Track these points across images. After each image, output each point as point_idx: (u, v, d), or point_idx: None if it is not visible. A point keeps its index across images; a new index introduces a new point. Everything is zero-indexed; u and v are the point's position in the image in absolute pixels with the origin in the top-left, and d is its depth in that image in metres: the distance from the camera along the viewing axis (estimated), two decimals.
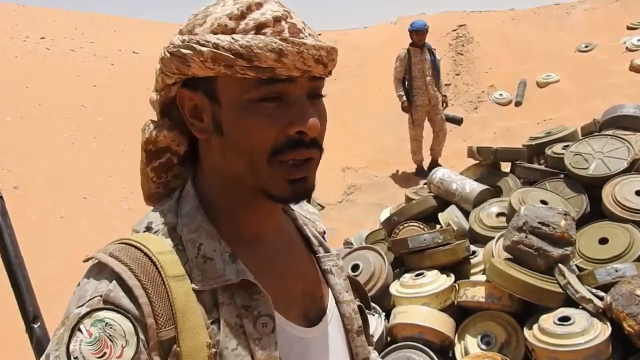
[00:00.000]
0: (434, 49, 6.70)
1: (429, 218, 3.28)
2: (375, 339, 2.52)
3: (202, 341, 0.66)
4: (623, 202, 2.71)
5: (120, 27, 13.09)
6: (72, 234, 4.90)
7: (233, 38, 0.67)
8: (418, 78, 6.41)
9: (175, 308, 0.66)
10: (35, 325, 0.94)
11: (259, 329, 0.70)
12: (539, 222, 2.45)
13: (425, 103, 6.47)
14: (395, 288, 2.72)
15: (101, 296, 0.65)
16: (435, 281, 2.64)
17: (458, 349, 2.47)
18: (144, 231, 0.74)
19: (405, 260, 2.88)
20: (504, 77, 9.47)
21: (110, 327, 0.63)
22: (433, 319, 2.48)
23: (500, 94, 9.02)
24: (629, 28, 9.71)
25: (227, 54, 0.66)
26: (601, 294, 2.31)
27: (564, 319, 2.20)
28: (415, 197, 3.55)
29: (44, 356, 0.65)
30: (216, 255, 0.71)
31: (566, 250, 2.42)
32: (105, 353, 0.62)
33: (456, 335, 2.51)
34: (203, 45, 0.67)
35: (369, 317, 2.64)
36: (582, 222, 2.77)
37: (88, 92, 8.19)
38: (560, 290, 2.31)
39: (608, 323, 2.17)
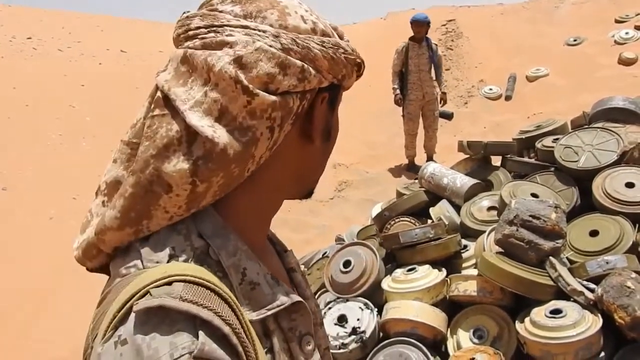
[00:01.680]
0: (435, 45, 6.63)
1: (420, 213, 3.28)
2: (367, 335, 2.52)
3: None
4: (613, 195, 2.72)
5: (108, 26, 13.00)
6: (62, 234, 4.86)
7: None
8: (413, 72, 6.39)
9: (257, 348, 0.59)
10: None
11: (305, 350, 0.66)
12: (530, 215, 2.45)
13: (418, 98, 6.45)
14: (387, 283, 2.71)
15: (191, 353, 0.52)
16: (427, 276, 2.64)
17: (450, 344, 2.47)
18: (168, 260, 0.61)
19: (397, 256, 2.88)
20: (493, 71, 9.49)
21: None
22: (425, 314, 2.48)
23: (490, 89, 9.05)
24: (617, 21, 9.76)
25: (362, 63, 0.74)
26: (592, 286, 2.31)
27: (556, 312, 2.21)
28: (406, 192, 3.54)
29: None
30: (261, 279, 0.64)
31: (557, 243, 2.43)
32: None
33: (448, 329, 2.51)
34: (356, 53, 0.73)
35: (360, 311, 2.63)
36: (572, 214, 2.78)
37: (76, 92, 8.12)
38: (551, 283, 2.32)
39: (599, 315, 2.18)
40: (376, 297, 2.73)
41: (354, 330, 2.53)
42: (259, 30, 0.64)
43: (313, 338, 0.68)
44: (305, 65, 0.64)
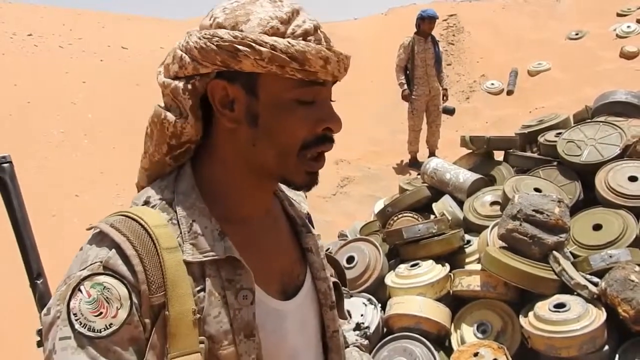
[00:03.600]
0: (438, 41, 6.66)
1: (423, 208, 3.28)
2: (371, 330, 2.52)
3: (188, 307, 0.74)
4: (616, 188, 2.72)
5: (108, 22, 12.98)
6: (65, 232, 4.87)
7: (289, 42, 0.74)
8: (420, 67, 6.37)
9: (167, 277, 0.73)
10: (39, 282, 1.02)
11: (240, 301, 0.77)
12: (533, 210, 2.45)
13: (425, 93, 6.44)
14: (390, 279, 2.71)
15: (101, 262, 0.72)
16: (431, 271, 2.64)
17: (454, 338, 2.47)
18: (143, 204, 0.81)
19: (400, 251, 2.88)
20: (495, 66, 9.46)
21: (108, 291, 0.71)
22: (429, 309, 2.48)
23: (492, 83, 9.02)
24: (619, 15, 9.71)
25: (283, 56, 0.74)
26: (596, 280, 2.32)
27: (560, 306, 2.21)
28: (409, 188, 3.54)
29: (45, 309, 0.73)
30: (206, 232, 0.78)
31: (560, 237, 2.43)
32: (101, 313, 0.70)
33: (452, 324, 2.52)
34: (261, 45, 0.74)
35: (364, 307, 2.62)
36: (575, 209, 2.78)
37: (77, 89, 8.11)
38: (555, 277, 2.32)
39: (603, 309, 2.18)
40: (380, 293, 2.73)
41: (358, 326, 2.53)
42: (187, 33, 0.81)
43: (254, 294, 0.78)
44: (183, 55, 0.78)
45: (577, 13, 10.47)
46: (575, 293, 2.27)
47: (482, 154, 3.54)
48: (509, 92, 8.75)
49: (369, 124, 8.41)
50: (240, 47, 0.74)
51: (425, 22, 6.37)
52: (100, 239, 0.75)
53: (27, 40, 9.89)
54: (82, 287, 0.70)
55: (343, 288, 1.02)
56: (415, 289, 2.58)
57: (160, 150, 0.84)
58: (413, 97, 6.45)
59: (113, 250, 0.73)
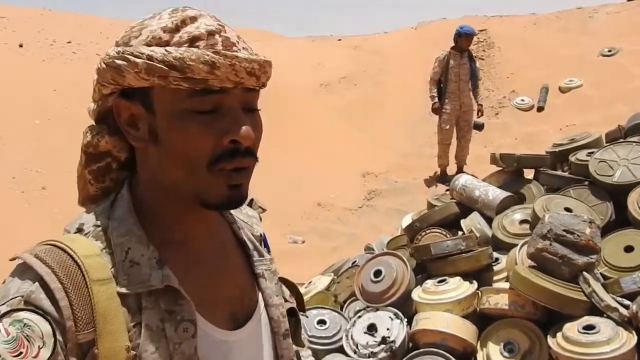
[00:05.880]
0: (475, 57, 6.70)
1: (451, 224, 3.28)
2: (397, 344, 2.54)
3: (121, 344, 0.68)
4: None
5: None
6: None
7: (167, 50, 0.69)
8: (452, 82, 6.41)
9: (96, 312, 0.67)
10: None
11: (180, 334, 0.71)
12: (564, 230, 2.45)
13: (455, 108, 6.47)
14: (417, 294, 2.73)
15: (22, 296, 0.66)
16: (458, 288, 2.65)
17: (480, 356, 2.47)
18: (75, 232, 0.75)
19: (428, 267, 2.89)
20: (525, 82, 9.39)
21: (29, 328, 0.64)
22: (455, 326, 2.49)
23: (522, 99, 8.96)
24: None
25: (160, 66, 0.69)
26: (627, 302, 2.29)
27: (589, 328, 2.20)
28: (437, 204, 3.55)
29: None
30: (143, 260, 0.72)
31: (591, 258, 2.41)
32: (21, 352, 0.63)
33: (478, 342, 2.52)
34: (137, 57, 0.69)
35: (390, 321, 2.63)
36: (607, 229, 2.75)
37: None
38: (584, 298, 2.31)
39: (634, 332, 2.16)
40: (406, 308, 2.75)
41: (384, 340, 2.56)
42: None
43: (195, 326, 0.72)
44: (95, 77, 0.77)
45: (610, 29, 10.33)
46: (605, 315, 2.26)
47: (512, 172, 3.53)
48: (539, 109, 8.67)
49: (396, 137, 8.42)
50: (119, 62, 0.71)
51: (462, 38, 6.41)
52: (23, 270, 0.69)
53: (66, 47, 10.17)
54: (0, 325, 0.64)
55: (300, 313, 0.96)
56: (442, 305, 2.59)
57: (81, 160, 0.81)
58: (443, 110, 6.47)
59: (36, 283, 0.67)
